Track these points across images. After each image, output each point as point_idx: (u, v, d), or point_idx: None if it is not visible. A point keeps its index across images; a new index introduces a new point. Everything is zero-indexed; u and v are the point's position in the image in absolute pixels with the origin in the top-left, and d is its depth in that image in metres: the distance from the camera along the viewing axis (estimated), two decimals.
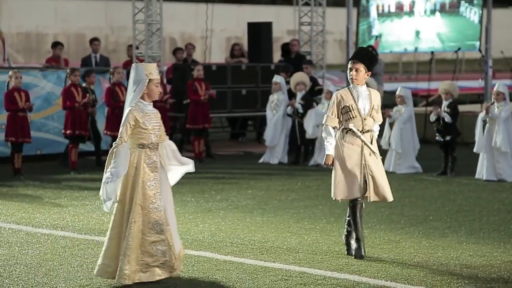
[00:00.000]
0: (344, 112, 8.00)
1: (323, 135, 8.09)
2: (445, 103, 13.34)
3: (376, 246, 8.39)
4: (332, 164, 8.00)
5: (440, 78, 22.54)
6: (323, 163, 8.17)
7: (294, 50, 17.96)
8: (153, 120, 7.18)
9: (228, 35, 36.79)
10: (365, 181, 7.90)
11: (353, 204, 7.99)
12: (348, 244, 8.10)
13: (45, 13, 34.20)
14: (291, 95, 15.12)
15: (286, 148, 15.18)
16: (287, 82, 15.28)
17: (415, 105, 17.72)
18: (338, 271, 7.47)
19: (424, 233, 9.09)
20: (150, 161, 7.13)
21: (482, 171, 12.89)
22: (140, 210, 7.03)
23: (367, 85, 14.97)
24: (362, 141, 7.96)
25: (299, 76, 15.12)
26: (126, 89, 14.51)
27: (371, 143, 8.00)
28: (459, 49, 20.81)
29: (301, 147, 15.02)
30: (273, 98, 15.13)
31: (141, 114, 7.10)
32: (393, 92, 15.28)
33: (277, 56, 19.23)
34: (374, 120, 8.10)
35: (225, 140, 18.40)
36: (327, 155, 8.03)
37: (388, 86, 21.01)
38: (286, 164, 14.81)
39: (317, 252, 8.21)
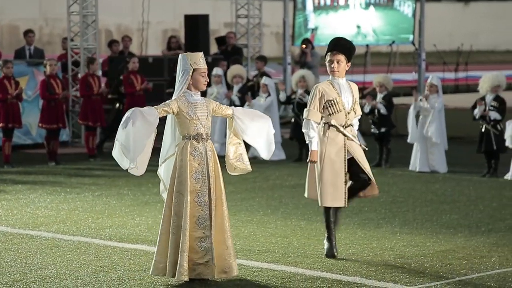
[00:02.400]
0: (327, 106, 7.60)
1: (304, 130, 7.63)
2: (379, 96, 13.53)
3: (312, 237, 8.47)
4: (316, 160, 7.54)
5: (375, 71, 22.84)
6: (307, 160, 7.67)
7: (231, 43, 17.97)
8: (199, 110, 6.98)
9: (164, 27, 36.60)
10: (348, 185, 7.56)
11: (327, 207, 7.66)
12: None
13: None
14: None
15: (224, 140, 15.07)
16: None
17: None
18: (275, 262, 7.53)
19: (359, 224, 9.21)
20: (196, 152, 6.95)
21: (415, 162, 13.11)
22: (188, 203, 6.81)
23: (304, 79, 15.02)
24: (345, 135, 7.61)
25: (236, 69, 15.12)
26: (61, 81, 14.53)
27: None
28: (393, 42, 21.11)
29: None
30: (212, 91, 14.99)
31: (186, 104, 6.96)
32: None
33: (214, 48, 19.21)
34: (355, 113, 7.76)
35: (162, 133, 18.24)
36: (312, 151, 7.55)
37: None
38: (223, 157, 14.72)
39: (254, 244, 8.25)
